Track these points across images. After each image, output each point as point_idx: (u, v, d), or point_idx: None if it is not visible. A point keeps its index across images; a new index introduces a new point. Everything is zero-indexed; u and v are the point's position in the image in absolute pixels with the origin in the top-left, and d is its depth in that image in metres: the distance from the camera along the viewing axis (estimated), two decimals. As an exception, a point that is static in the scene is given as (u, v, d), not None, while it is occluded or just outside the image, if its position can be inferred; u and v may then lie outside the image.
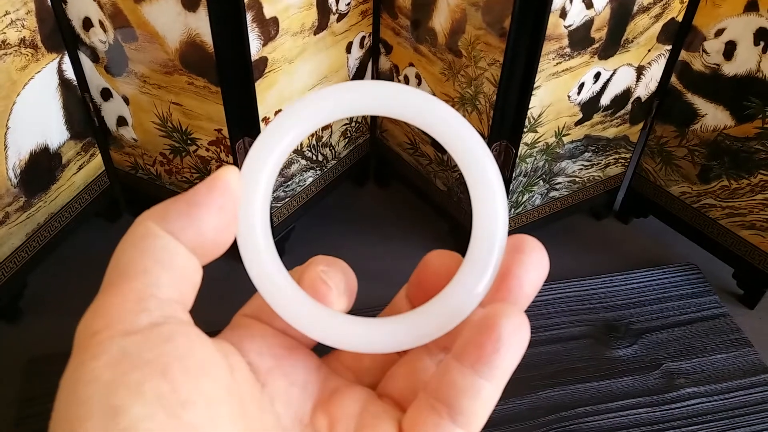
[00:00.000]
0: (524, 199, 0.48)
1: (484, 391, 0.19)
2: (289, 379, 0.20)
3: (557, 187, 0.49)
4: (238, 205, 0.19)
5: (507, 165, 0.45)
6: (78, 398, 0.15)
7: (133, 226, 0.18)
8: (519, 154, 0.44)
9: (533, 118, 0.42)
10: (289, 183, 0.48)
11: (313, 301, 0.20)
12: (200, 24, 0.38)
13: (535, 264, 0.19)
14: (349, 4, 0.44)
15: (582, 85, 0.43)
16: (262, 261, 0.20)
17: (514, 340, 0.18)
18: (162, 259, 0.18)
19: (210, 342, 0.18)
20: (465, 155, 0.20)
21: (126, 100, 0.45)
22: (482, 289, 0.20)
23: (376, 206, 0.58)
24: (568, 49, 0.40)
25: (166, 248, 0.18)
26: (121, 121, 0.47)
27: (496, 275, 0.20)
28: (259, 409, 0.19)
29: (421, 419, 0.19)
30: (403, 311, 0.21)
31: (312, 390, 0.21)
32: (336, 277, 0.20)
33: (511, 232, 0.20)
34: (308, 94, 0.21)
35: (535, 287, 0.20)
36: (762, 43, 0.41)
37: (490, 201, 0.20)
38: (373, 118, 0.54)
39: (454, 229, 0.51)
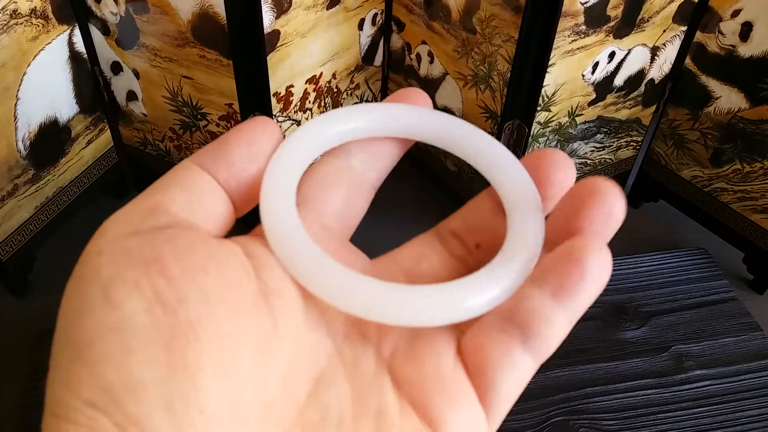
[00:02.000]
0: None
1: (560, 321, 0.18)
2: None
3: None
4: (273, 140, 0.19)
5: (519, 144, 0.44)
6: (79, 292, 0.16)
7: None
8: (532, 133, 0.44)
9: (547, 97, 0.42)
10: (298, 161, 0.48)
11: (331, 260, 0.19)
12: (213, -5, 0.37)
13: (607, 208, 0.18)
14: (362, -21, 0.44)
15: (596, 65, 0.42)
16: (283, 220, 0.19)
17: (598, 273, 0.18)
18: (182, 182, 0.18)
19: (218, 242, 0.18)
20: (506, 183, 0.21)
21: (136, 74, 0.45)
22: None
23: (385, 187, 0.57)
24: (583, 27, 0.40)
25: (190, 174, 0.18)
26: (131, 96, 0.47)
27: (559, 267, 0.19)
28: (279, 308, 0.18)
29: (489, 339, 0.19)
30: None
31: None
32: None
33: None
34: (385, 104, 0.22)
35: (610, 230, 0.19)
36: (779, 24, 0.40)
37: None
38: (384, 97, 0.53)
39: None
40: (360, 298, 0.18)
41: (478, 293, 0.18)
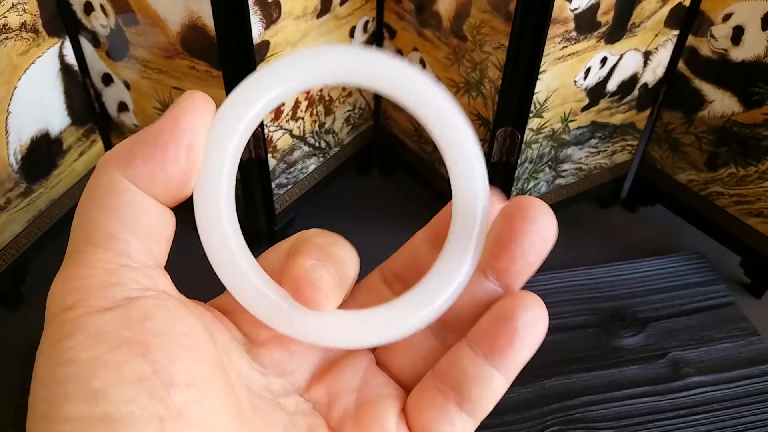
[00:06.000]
0: (530, 186, 0.48)
1: (495, 381, 0.18)
2: (287, 350, 0.20)
3: (563, 174, 0.49)
4: (201, 130, 0.17)
5: (512, 151, 0.44)
6: (56, 379, 0.15)
7: (95, 174, 0.17)
8: (525, 140, 0.43)
9: (539, 103, 0.42)
10: (291, 170, 0.48)
11: (279, 290, 0.18)
12: (201, 7, 0.37)
13: (541, 232, 0.18)
14: (352, -12, 0.44)
15: (588, 70, 0.42)
16: (226, 246, 0.18)
17: (530, 333, 0.18)
18: (129, 221, 0.17)
19: (191, 315, 0.17)
20: (444, 132, 0.19)
21: (127, 85, 0.45)
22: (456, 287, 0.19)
23: (379, 195, 0.57)
24: (574, 33, 0.39)
25: (133, 205, 0.17)
26: (122, 107, 0.47)
27: (499, 241, 0.19)
28: (246, 380, 0.18)
29: (427, 401, 0.19)
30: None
31: (313, 358, 0.20)
32: (327, 274, 0.18)
33: None
34: (294, 53, 0.20)
35: (539, 256, 0.18)
36: (771, 27, 0.40)
37: (469, 185, 0.19)
38: (377, 105, 0.53)
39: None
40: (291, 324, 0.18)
41: (397, 321, 0.18)
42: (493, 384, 0.18)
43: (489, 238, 0.19)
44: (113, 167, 0.17)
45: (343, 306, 0.20)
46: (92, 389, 0.14)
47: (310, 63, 0.19)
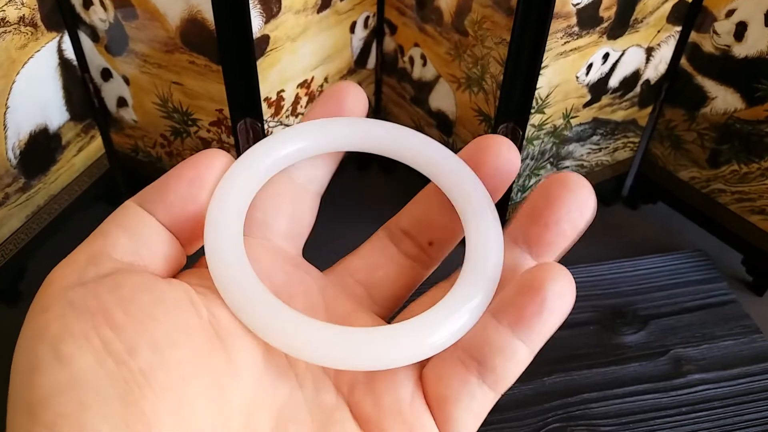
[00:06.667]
0: (531, 183, 0.48)
1: (520, 353, 0.18)
2: None
3: (565, 171, 0.49)
4: (218, 175, 0.19)
5: (513, 147, 0.44)
6: (29, 350, 0.16)
7: None
8: (526, 136, 0.43)
9: (540, 99, 0.42)
10: (291, 166, 0.48)
11: (278, 303, 0.18)
12: (201, 1, 0.37)
13: (579, 202, 0.18)
14: (353, -17, 0.44)
15: (590, 66, 0.42)
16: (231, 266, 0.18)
17: (558, 305, 0.18)
18: (124, 224, 0.18)
19: (165, 284, 0.17)
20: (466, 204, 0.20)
21: (126, 80, 0.44)
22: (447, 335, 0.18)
23: (379, 191, 0.57)
24: (576, 28, 0.39)
25: (132, 215, 0.18)
26: (121, 102, 0.46)
27: (534, 208, 0.19)
28: (232, 349, 0.18)
29: (447, 371, 0.18)
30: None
31: (316, 317, 0.20)
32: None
33: None
34: (333, 120, 0.21)
35: (575, 229, 0.18)
36: (774, 23, 0.40)
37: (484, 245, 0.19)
38: (377, 100, 0.53)
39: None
40: (311, 345, 0.18)
41: (433, 332, 0.18)
42: (517, 356, 0.18)
43: (523, 208, 0.19)
44: (129, 200, 0.19)
45: (347, 262, 0.21)
46: (59, 356, 0.15)
47: (335, 127, 0.21)
